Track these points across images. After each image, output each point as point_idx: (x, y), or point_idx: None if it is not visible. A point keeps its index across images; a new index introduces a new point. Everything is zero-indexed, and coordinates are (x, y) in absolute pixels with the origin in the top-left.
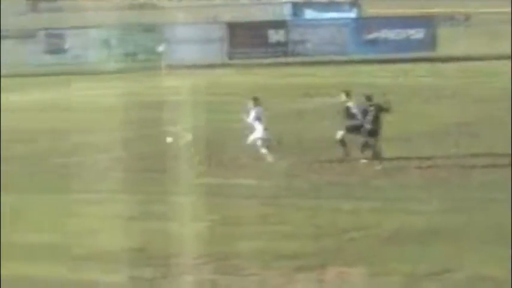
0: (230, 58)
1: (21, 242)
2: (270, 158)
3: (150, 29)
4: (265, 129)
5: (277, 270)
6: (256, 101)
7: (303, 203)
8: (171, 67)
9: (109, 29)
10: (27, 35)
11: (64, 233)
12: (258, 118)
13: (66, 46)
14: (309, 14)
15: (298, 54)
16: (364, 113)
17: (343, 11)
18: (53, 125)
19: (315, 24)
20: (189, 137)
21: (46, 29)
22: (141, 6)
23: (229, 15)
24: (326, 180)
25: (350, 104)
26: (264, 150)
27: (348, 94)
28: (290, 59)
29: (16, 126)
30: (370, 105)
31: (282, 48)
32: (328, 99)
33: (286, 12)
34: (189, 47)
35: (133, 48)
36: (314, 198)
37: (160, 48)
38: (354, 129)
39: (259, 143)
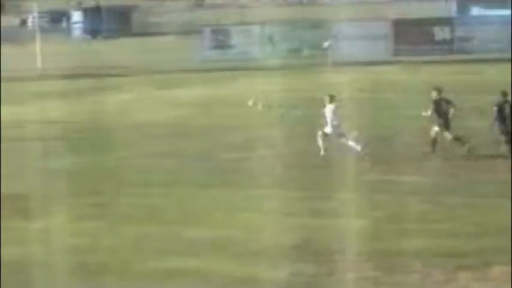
0: (395, 55)
1: (188, 237)
2: (324, 152)
3: (315, 25)
4: (338, 126)
5: (439, 268)
6: (332, 98)
7: (464, 201)
8: (336, 63)
9: (274, 25)
10: (192, 31)
11: (230, 228)
12: (334, 115)
13: (232, 42)
14: (475, 10)
15: (463, 52)
16: (500, 110)
17: (510, 7)
18: (217, 121)
19: (481, 21)
20: (353, 133)
21: (211, 25)
22: (306, 3)
23: (394, 12)
24: (486, 177)
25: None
26: (323, 145)
27: (439, 91)
28: (455, 57)
29: (182, 122)
30: (505, 102)
31: (448, 46)
32: (491, 97)
33: (452, 9)
34: (354, 43)
35: (297, 45)
36: (475, 196)
37: (326, 44)
38: (446, 126)
39: (341, 139)
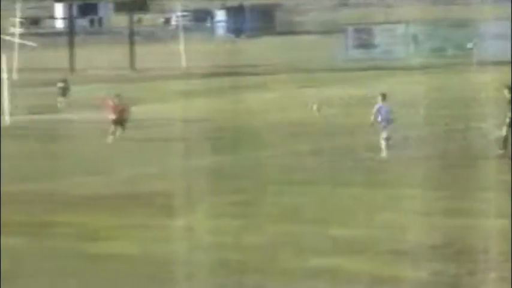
0: None
1: (330, 235)
2: (383, 154)
3: (460, 24)
4: (386, 126)
5: None
6: (383, 96)
7: None
8: (480, 63)
9: (417, 24)
10: (335, 30)
11: (371, 227)
12: (379, 114)
13: (376, 41)
14: None
15: None
16: None
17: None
18: (361, 120)
19: None
20: (497, 133)
21: (354, 24)
22: (450, 2)
23: None
24: None
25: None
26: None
27: (509, 89)
28: None
29: (326, 120)
30: None
31: None
32: None
33: None
34: (499, 42)
35: (441, 44)
36: None
37: (470, 44)
38: None
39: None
